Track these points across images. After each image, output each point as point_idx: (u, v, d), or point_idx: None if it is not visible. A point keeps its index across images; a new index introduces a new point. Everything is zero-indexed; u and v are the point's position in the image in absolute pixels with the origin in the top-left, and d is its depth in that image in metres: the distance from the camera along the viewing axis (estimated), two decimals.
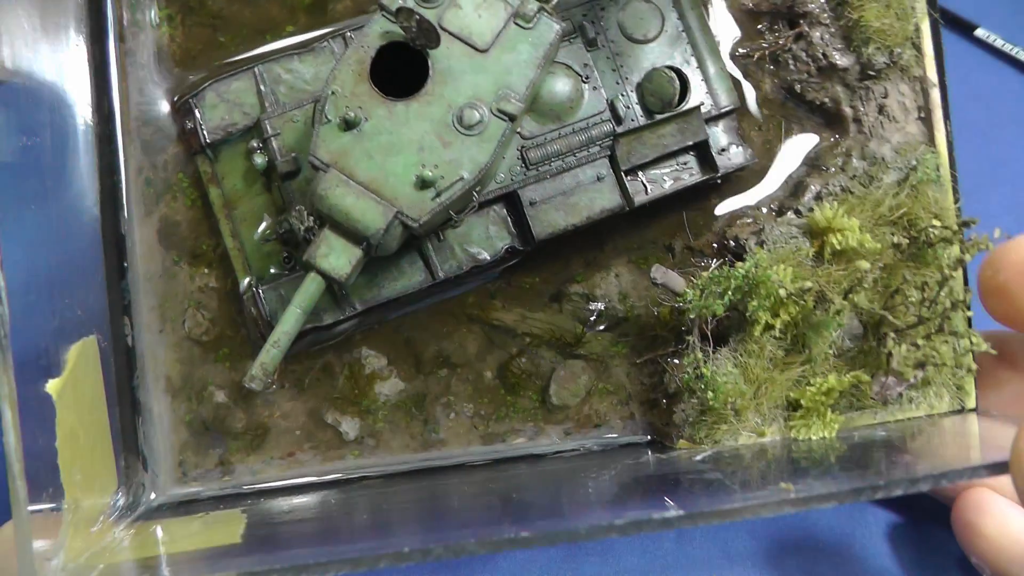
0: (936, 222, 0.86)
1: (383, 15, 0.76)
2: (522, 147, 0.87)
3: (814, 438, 0.88)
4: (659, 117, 0.87)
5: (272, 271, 0.91)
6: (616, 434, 0.96)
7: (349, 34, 0.89)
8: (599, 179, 0.88)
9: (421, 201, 0.75)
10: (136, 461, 0.90)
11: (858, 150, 0.92)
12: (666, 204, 0.95)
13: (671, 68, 0.86)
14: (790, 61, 0.94)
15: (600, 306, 0.95)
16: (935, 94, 0.90)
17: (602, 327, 0.96)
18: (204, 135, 0.89)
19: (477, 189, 0.80)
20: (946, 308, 0.82)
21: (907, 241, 0.85)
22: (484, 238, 0.90)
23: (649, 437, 0.95)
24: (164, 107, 0.93)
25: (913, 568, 0.95)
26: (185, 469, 0.94)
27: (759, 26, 0.95)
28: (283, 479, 0.95)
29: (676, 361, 0.94)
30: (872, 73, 0.91)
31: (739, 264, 0.84)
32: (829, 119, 0.95)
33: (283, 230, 0.89)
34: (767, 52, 0.94)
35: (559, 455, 0.95)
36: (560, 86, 0.86)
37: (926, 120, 0.91)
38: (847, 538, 0.96)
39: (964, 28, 1.06)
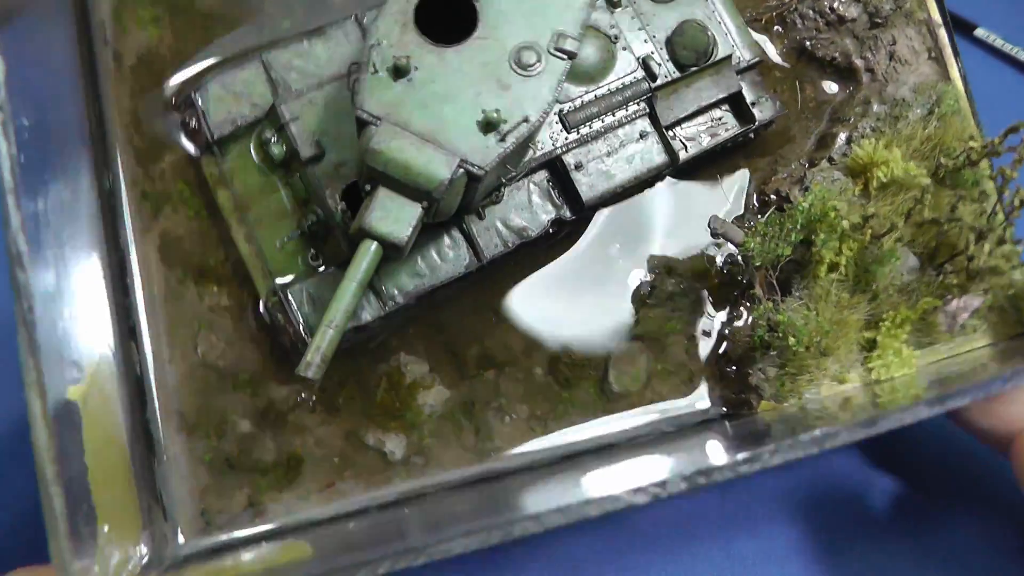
0: (973, 143, 0.86)
1: None
2: (560, 111, 0.83)
3: (896, 375, 0.83)
4: (693, 70, 0.85)
5: (297, 273, 0.82)
6: (688, 410, 0.88)
7: (364, 19, 0.84)
8: (642, 136, 0.85)
9: (486, 146, 0.69)
10: (157, 507, 0.76)
11: (876, 96, 0.93)
12: (700, 169, 0.92)
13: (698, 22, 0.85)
14: (797, 20, 0.95)
15: (649, 276, 0.90)
16: (942, 34, 0.92)
17: (654, 304, 0.90)
18: (210, 130, 0.81)
19: (533, 141, 0.74)
20: (1011, 212, 0.81)
21: (951, 164, 0.85)
22: (528, 211, 0.84)
23: (723, 409, 0.89)
24: (157, 112, 0.84)
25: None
26: (208, 517, 0.80)
27: None
28: (325, 515, 0.82)
29: (739, 324, 0.89)
30: (879, 21, 0.92)
31: (799, 199, 0.81)
32: (842, 73, 0.96)
33: (310, 223, 0.80)
34: (774, 14, 0.95)
35: (633, 441, 0.87)
36: (590, 48, 0.83)
37: (938, 60, 0.92)
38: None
39: (964, 28, 1.09)
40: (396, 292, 0.81)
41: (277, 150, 0.80)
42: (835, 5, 0.92)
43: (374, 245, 0.70)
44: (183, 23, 0.86)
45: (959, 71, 0.92)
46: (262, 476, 0.82)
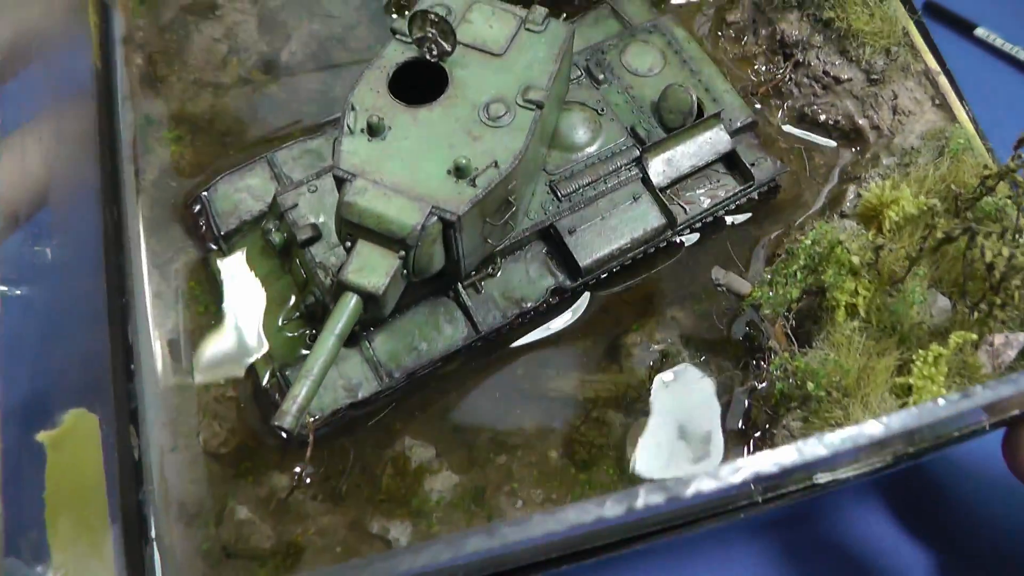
0: (986, 170, 0.82)
1: (397, 39, 0.76)
2: (550, 181, 0.84)
3: None
4: (680, 129, 0.85)
5: (299, 354, 0.82)
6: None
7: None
8: (635, 199, 0.84)
9: (458, 192, 0.70)
10: None
11: (885, 151, 0.91)
12: (709, 241, 0.90)
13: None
14: (794, 89, 0.95)
15: (662, 347, 0.86)
16: (943, 81, 0.90)
17: (667, 371, 0.86)
18: (217, 225, 0.85)
19: (512, 197, 0.75)
20: None
21: (967, 195, 0.80)
22: (525, 282, 0.83)
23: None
24: (173, 219, 0.90)
25: None
26: None
27: (753, 67, 0.98)
28: None
29: (761, 386, 0.83)
30: (876, 77, 0.92)
31: (802, 237, 0.78)
32: (846, 134, 0.94)
33: (308, 303, 0.82)
34: (769, 87, 0.96)
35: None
36: (576, 119, 0.85)
37: (942, 106, 0.90)
38: None
39: (964, 28, 1.09)
40: (393, 368, 0.80)
41: (278, 237, 0.83)
42: (828, 68, 0.93)
43: (354, 298, 0.70)
44: (202, 140, 0.93)
45: (967, 113, 0.89)
46: (260, 566, 0.78)
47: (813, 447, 0.54)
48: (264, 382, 0.82)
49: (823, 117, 0.94)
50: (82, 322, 0.77)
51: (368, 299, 0.70)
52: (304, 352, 0.81)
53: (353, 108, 0.73)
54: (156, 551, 0.76)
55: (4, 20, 0.77)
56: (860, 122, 0.92)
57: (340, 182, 0.72)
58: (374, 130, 0.72)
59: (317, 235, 0.82)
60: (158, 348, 0.84)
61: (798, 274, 0.76)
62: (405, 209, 0.69)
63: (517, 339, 0.86)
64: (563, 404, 0.86)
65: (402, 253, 0.70)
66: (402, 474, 0.82)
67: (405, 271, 0.72)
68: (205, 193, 0.86)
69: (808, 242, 0.76)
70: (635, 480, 0.82)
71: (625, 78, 0.89)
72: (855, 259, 0.76)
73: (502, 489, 0.82)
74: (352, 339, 0.80)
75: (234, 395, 0.84)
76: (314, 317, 0.82)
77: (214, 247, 0.86)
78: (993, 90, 0.93)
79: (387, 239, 0.70)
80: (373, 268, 0.70)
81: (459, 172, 0.70)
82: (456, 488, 0.82)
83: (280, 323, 0.83)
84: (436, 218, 0.70)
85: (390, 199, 0.70)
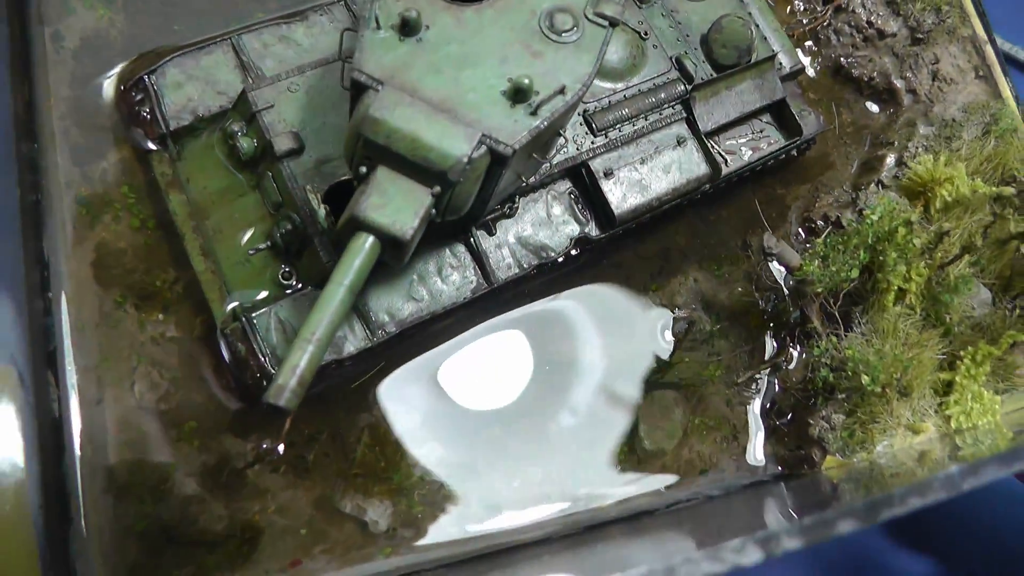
0: None
1: None
2: (585, 111, 0.71)
3: (979, 424, 0.70)
4: (733, 70, 0.74)
5: (264, 295, 0.66)
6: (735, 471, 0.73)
7: (354, 5, 0.72)
8: (679, 143, 0.73)
9: (513, 119, 0.56)
10: None
11: (922, 118, 0.84)
12: (733, 195, 0.81)
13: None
14: (832, 36, 0.86)
15: (688, 314, 0.76)
16: (989, 51, 0.84)
17: (689, 345, 0.77)
18: (165, 120, 0.67)
19: (563, 129, 0.61)
20: None
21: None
22: (546, 227, 0.71)
23: (778, 470, 0.74)
24: (102, 104, 0.70)
25: None
26: None
27: (791, 6, 0.87)
28: None
29: (792, 367, 0.75)
30: (920, 36, 0.84)
31: (867, 212, 0.69)
32: (880, 94, 0.86)
33: (283, 232, 0.66)
34: (807, 30, 0.86)
35: (668, 510, 0.71)
36: (618, 41, 0.72)
37: (986, 78, 0.84)
38: None
39: None
40: (388, 319, 0.66)
41: (246, 144, 0.66)
42: (873, 19, 0.84)
43: (370, 240, 0.55)
44: (138, 6, 0.73)
45: (1011, 90, 0.83)
46: (209, 552, 0.64)
47: None
48: (220, 324, 0.66)
49: (857, 72, 0.85)
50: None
51: (391, 244, 0.56)
52: (265, 294, 0.66)
53: None
54: (82, 530, 0.60)
55: None
56: (896, 83, 0.85)
57: (360, 89, 0.56)
58: (409, 28, 0.56)
59: (299, 147, 0.65)
60: (79, 269, 0.66)
61: (861, 252, 0.68)
62: (449, 134, 0.54)
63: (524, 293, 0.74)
64: (568, 369, 0.75)
65: (437, 189, 0.56)
66: (380, 444, 0.70)
67: (435, 210, 0.57)
68: (151, 78, 0.67)
69: (875, 218, 0.68)
70: (644, 458, 0.74)
71: (670, 0, 0.77)
72: (917, 241, 0.68)
73: (496, 465, 0.71)
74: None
75: (177, 335, 0.68)
76: (289, 250, 0.66)
77: (157, 147, 0.68)
78: None
79: (421, 170, 0.55)
80: (400, 205, 0.55)
81: (517, 95, 0.56)
82: (443, 462, 0.70)
83: (246, 254, 0.66)
84: (486, 149, 0.56)
85: (430, 120, 0.55)
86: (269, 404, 0.52)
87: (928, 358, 0.71)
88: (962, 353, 0.71)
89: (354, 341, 0.65)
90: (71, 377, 0.63)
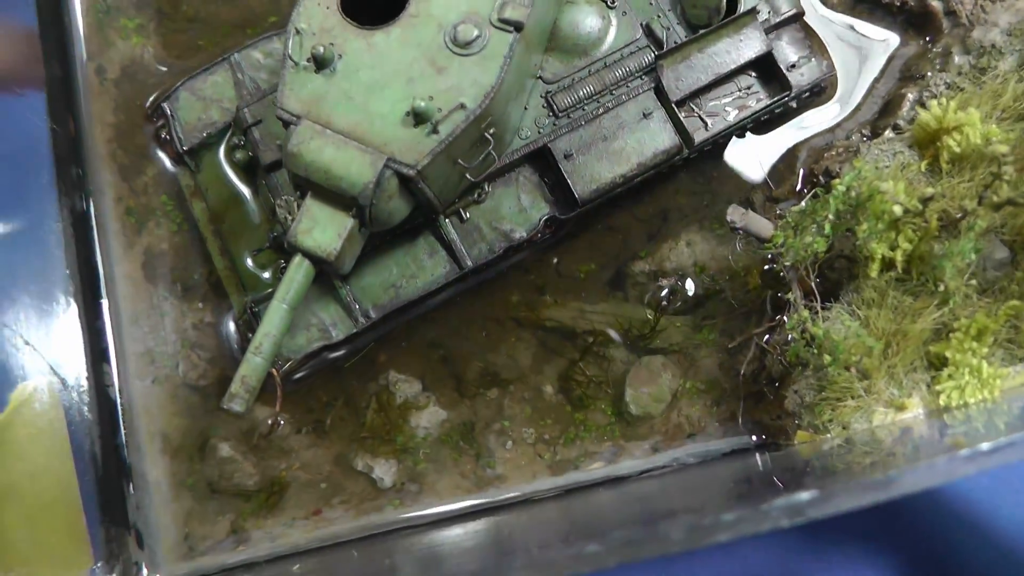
0: None
1: None
2: (547, 92, 0.72)
3: (971, 402, 0.66)
4: (706, 31, 0.71)
5: (269, 290, 0.76)
6: (716, 442, 0.75)
7: None
8: (645, 115, 0.72)
9: (416, 141, 0.60)
10: (126, 535, 0.74)
11: (959, 45, 0.74)
12: (736, 150, 0.78)
13: None
14: None
15: (672, 282, 0.77)
16: None
17: (679, 309, 0.77)
18: (180, 140, 0.77)
19: (490, 132, 0.64)
20: None
21: None
22: (516, 211, 0.74)
23: (757, 438, 0.74)
24: (140, 124, 0.82)
25: None
26: (192, 543, 0.77)
27: None
28: (312, 543, 0.76)
29: (778, 337, 0.74)
30: None
31: (836, 181, 0.65)
32: (915, 20, 0.77)
33: (276, 234, 0.75)
34: None
35: (648, 474, 0.75)
36: (582, 15, 0.71)
37: None
38: None
39: None
40: (369, 308, 0.74)
41: (241, 156, 0.75)
42: None
43: (305, 262, 0.63)
44: (167, 29, 0.83)
45: None
46: (245, 501, 0.77)
47: None
48: (235, 314, 0.77)
49: None
50: (32, 244, 0.72)
51: (321, 263, 0.63)
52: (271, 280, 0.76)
53: (298, 32, 0.62)
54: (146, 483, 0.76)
55: None
56: (934, 4, 0.75)
57: (285, 124, 0.62)
58: (321, 62, 0.61)
59: (280, 161, 0.73)
60: (131, 270, 0.80)
61: (826, 226, 0.64)
62: (355, 163, 0.60)
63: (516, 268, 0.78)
64: (561, 335, 0.79)
65: (354, 212, 0.62)
66: (386, 410, 0.79)
67: (363, 227, 0.63)
68: (167, 104, 0.77)
69: (842, 188, 0.64)
70: (631, 422, 0.77)
71: None
72: (898, 209, 0.64)
73: (492, 427, 0.78)
74: (325, 277, 0.74)
75: (212, 321, 0.80)
76: (283, 248, 0.75)
77: (181, 164, 0.79)
78: None
79: (337, 196, 0.61)
80: (324, 229, 0.62)
81: (418, 117, 0.59)
82: (444, 424, 0.78)
83: (252, 252, 0.76)
84: (392, 172, 0.60)
85: (339, 150, 0.60)
86: (225, 409, 0.62)
87: (918, 329, 0.67)
88: (956, 325, 0.66)
89: (341, 327, 0.74)
90: (131, 363, 0.78)
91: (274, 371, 0.72)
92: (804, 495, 0.46)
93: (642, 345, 0.78)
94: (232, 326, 0.79)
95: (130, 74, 0.82)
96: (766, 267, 0.76)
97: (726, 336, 0.77)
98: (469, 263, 0.73)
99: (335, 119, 0.61)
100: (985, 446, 0.48)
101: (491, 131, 0.64)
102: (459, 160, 0.64)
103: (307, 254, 0.62)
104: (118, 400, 0.76)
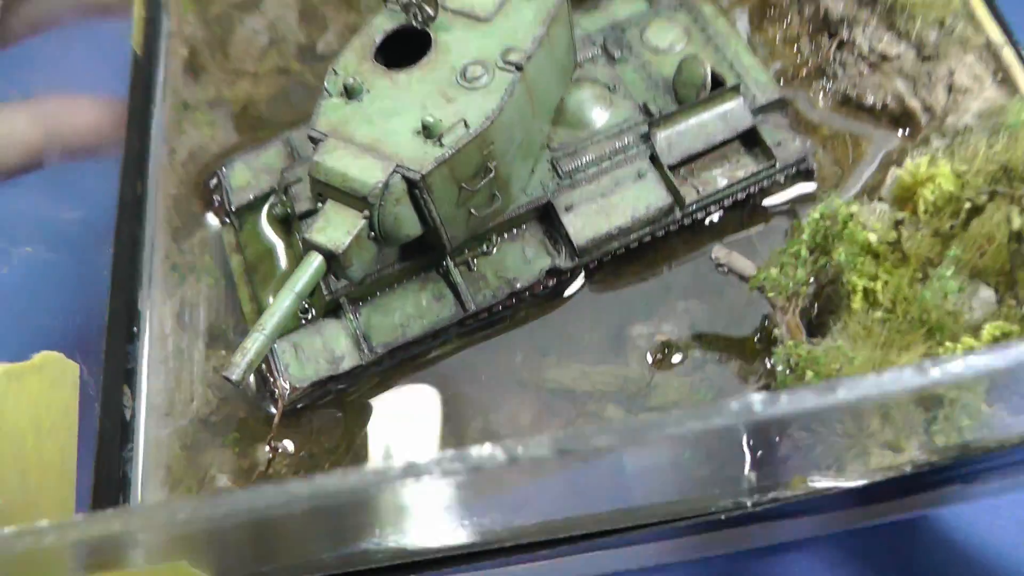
0: None
1: (387, 7, 0.76)
2: (552, 158, 0.80)
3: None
4: (694, 102, 0.80)
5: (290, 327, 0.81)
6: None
7: None
8: (640, 176, 0.79)
9: (423, 152, 0.68)
10: None
11: (936, 133, 0.81)
12: (731, 224, 0.83)
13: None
14: (838, 70, 0.87)
15: (666, 336, 0.79)
16: (1007, 53, 0.80)
17: (676, 366, 0.79)
18: (230, 200, 0.87)
19: (492, 163, 0.72)
20: None
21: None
22: (521, 262, 0.80)
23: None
24: (196, 196, 0.93)
25: None
26: None
27: (796, 46, 0.91)
28: None
29: (771, 385, 0.75)
30: (928, 53, 0.83)
31: (809, 212, 0.70)
32: (896, 118, 0.85)
33: None
34: (811, 68, 0.88)
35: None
36: (585, 95, 0.82)
37: (1005, 81, 0.80)
38: None
39: None
40: (377, 343, 0.78)
41: (279, 210, 0.84)
42: (875, 44, 0.85)
43: (318, 258, 0.69)
44: (234, 125, 0.96)
45: None
46: None
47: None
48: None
49: (871, 99, 0.85)
50: (82, 282, 0.79)
51: (330, 258, 0.69)
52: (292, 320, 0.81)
53: (335, 73, 0.73)
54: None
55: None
56: (912, 103, 0.83)
57: (314, 143, 0.71)
58: (351, 92, 0.71)
59: (315, 209, 0.82)
60: (167, 317, 0.86)
61: (801, 251, 0.68)
62: (368, 167, 0.68)
63: (518, 322, 0.82)
64: (561, 396, 0.80)
65: (367, 213, 0.69)
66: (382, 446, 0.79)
67: (373, 233, 0.70)
68: (224, 170, 0.88)
69: (816, 216, 0.68)
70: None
71: (644, 55, 0.85)
72: (872, 236, 0.67)
73: None
74: (338, 312, 0.79)
75: None
76: (312, 293, 0.81)
77: (227, 221, 0.88)
78: None
79: (352, 198, 0.68)
80: (336, 228, 0.69)
81: (426, 131, 0.68)
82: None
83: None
84: (400, 176, 0.68)
85: (356, 158, 0.68)
86: (224, 376, 0.66)
87: (905, 360, 0.67)
88: (940, 351, 0.66)
89: (349, 360, 0.78)
90: (153, 396, 0.82)
91: (279, 397, 0.76)
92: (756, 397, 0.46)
93: (641, 403, 0.78)
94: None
95: (195, 157, 0.95)
96: (757, 337, 0.78)
97: (723, 395, 0.77)
98: (472, 306, 0.78)
99: (356, 136, 0.70)
100: None
101: (492, 163, 0.72)
102: (463, 185, 0.71)
103: (319, 249, 0.69)
104: (135, 426, 0.79)
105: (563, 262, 0.79)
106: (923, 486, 0.71)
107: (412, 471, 0.45)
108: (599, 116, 0.81)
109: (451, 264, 0.79)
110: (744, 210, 0.83)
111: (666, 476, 0.61)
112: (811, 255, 0.69)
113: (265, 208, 0.87)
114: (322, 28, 1.02)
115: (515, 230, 0.80)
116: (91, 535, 0.47)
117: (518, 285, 0.79)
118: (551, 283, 0.80)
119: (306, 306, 0.82)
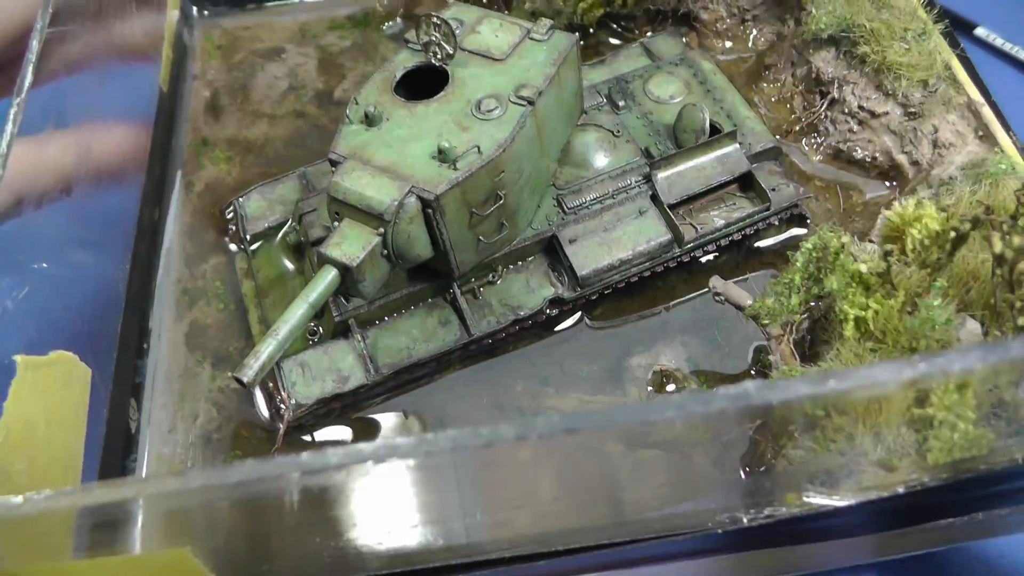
0: None
1: (408, 47, 0.81)
2: (558, 195, 0.84)
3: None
4: (693, 145, 0.84)
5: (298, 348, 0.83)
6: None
7: None
8: (641, 213, 0.83)
9: (438, 174, 0.72)
10: None
11: (923, 184, 0.86)
12: (727, 264, 0.87)
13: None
14: (829, 126, 0.93)
15: (664, 367, 0.81)
16: (986, 112, 0.86)
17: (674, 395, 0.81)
18: (245, 229, 0.90)
19: (502, 191, 0.75)
20: None
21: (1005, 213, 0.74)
22: (525, 292, 0.82)
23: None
24: (210, 226, 0.96)
25: None
26: None
27: (790, 107, 0.96)
28: None
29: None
30: (913, 110, 0.88)
31: (801, 243, 0.73)
32: (885, 172, 0.90)
33: None
34: (804, 124, 0.94)
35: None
36: (590, 137, 0.86)
37: (985, 137, 0.85)
38: None
39: (964, 27, 1.07)
40: (382, 364, 0.80)
41: (293, 237, 0.87)
42: (864, 103, 0.90)
43: (332, 272, 0.72)
44: (251, 162, 1.00)
45: (1013, 142, 0.84)
46: None
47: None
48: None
49: (860, 154, 0.90)
50: (98, 300, 0.82)
51: (344, 272, 0.72)
52: (300, 341, 0.83)
53: (356, 102, 0.77)
54: None
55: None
56: (899, 158, 0.88)
57: (334, 165, 0.75)
58: (371, 120, 0.75)
59: (326, 237, 0.85)
60: (176, 337, 0.88)
61: (795, 279, 0.71)
62: (385, 187, 0.71)
63: (519, 351, 0.84)
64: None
65: (381, 230, 0.72)
66: None
67: (386, 251, 0.73)
68: (241, 199, 0.92)
69: (809, 246, 0.72)
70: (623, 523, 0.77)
71: (646, 105, 0.90)
72: (863, 267, 0.71)
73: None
74: (347, 333, 0.81)
75: (238, 390, 0.86)
76: (321, 315, 0.84)
77: (241, 247, 0.91)
78: (993, 89, 0.88)
79: (368, 216, 0.72)
80: (351, 243, 0.72)
81: (442, 155, 0.72)
82: None
83: None
84: (415, 196, 0.71)
85: (373, 178, 0.72)
86: (235, 378, 0.68)
87: (900, 393, 0.69)
88: (933, 384, 0.69)
89: (356, 377, 0.79)
90: (158, 412, 0.83)
91: (284, 412, 0.77)
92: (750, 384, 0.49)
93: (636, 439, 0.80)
94: (257, 389, 0.85)
95: (211, 189, 0.98)
96: (753, 370, 0.81)
97: (721, 434, 0.79)
98: (476, 331, 0.80)
99: (375, 159, 0.73)
100: None
101: (502, 191, 0.75)
102: (474, 210, 0.75)
103: (333, 263, 0.71)
104: (139, 440, 0.80)
105: (566, 292, 0.82)
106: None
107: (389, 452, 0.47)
108: (603, 158, 0.86)
109: (458, 292, 0.81)
110: (740, 251, 0.87)
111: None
112: (804, 283, 0.72)
113: (279, 236, 0.90)
114: (340, 77, 1.07)
115: (520, 262, 0.84)
116: (102, 501, 0.48)
117: (522, 313, 0.81)
118: (554, 313, 0.83)
119: (314, 328, 0.84)
